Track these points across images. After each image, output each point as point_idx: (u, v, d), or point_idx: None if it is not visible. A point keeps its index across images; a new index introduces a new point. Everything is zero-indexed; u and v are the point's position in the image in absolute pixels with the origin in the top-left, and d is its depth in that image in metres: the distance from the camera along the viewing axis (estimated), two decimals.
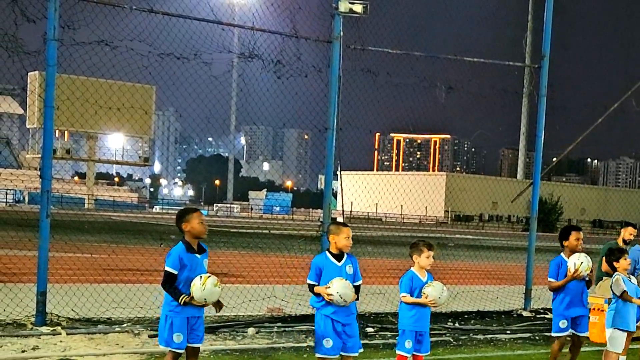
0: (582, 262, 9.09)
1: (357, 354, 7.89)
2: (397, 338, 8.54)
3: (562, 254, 9.39)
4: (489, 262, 24.60)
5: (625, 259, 9.45)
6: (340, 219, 15.93)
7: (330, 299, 7.58)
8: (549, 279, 9.31)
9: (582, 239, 9.39)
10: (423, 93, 16.08)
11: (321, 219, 13.30)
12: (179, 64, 12.89)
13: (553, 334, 9.38)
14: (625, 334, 9.14)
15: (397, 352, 8.39)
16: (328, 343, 7.72)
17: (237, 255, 18.83)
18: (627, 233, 13.25)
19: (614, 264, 9.48)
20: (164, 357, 8.33)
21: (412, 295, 8.37)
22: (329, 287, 7.64)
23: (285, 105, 15.04)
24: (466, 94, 16.71)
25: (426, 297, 8.10)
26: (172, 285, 7.32)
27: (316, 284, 7.73)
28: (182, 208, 8.00)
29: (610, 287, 9.42)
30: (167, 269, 7.32)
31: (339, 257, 7.81)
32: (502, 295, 16.40)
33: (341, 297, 7.60)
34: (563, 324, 9.22)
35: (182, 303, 7.24)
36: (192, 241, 7.50)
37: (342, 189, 14.03)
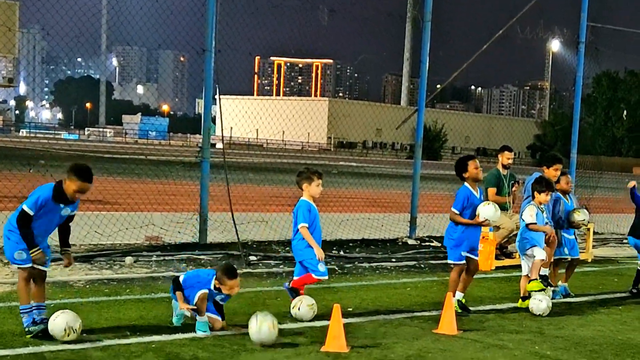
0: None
1: None
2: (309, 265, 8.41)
3: (465, 183, 9.19)
4: (373, 190, 24.69)
5: (548, 195, 9.68)
6: (219, 145, 15.42)
7: None
8: (454, 211, 9.08)
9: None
10: (305, 15, 15.66)
11: (200, 145, 12.81)
12: None
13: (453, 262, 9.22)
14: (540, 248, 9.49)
15: (316, 277, 8.38)
16: None
17: (112, 182, 17.98)
18: (505, 157, 13.35)
19: (535, 193, 9.68)
20: None
21: (310, 225, 8.33)
22: None
23: (161, 25, 14.40)
24: (349, 17, 16.38)
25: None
26: (28, 227, 6.93)
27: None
28: (81, 167, 7.09)
29: (521, 214, 9.66)
30: (25, 208, 6.93)
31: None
32: (386, 223, 16.40)
33: None
34: (464, 252, 9.11)
35: (32, 255, 6.94)
36: (65, 194, 7.05)
37: (221, 114, 13.56)
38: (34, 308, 7.14)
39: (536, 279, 9.37)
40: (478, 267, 9.41)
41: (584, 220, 10.66)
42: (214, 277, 7.60)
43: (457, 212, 9.04)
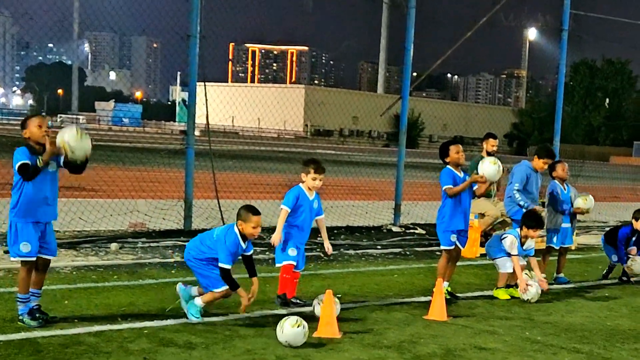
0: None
1: None
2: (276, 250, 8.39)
3: (448, 167, 9.19)
4: (354, 178, 24.62)
5: (536, 232, 9.50)
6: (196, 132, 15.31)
7: None
8: (446, 187, 9.01)
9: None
10: (287, 1, 15.58)
11: (174, 132, 12.71)
12: None
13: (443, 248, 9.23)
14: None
15: (284, 262, 8.26)
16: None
17: (97, 168, 17.81)
18: (489, 145, 13.30)
19: (524, 227, 9.44)
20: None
21: (295, 212, 8.26)
22: None
23: (137, 9, 14.23)
24: (327, 5, 16.30)
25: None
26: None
27: None
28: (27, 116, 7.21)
29: (501, 237, 9.60)
30: (20, 163, 6.84)
31: None
32: (370, 210, 16.40)
33: None
34: (453, 237, 9.11)
35: (40, 163, 6.79)
36: (32, 147, 6.93)
37: (207, 100, 13.48)
38: (31, 296, 7.06)
39: (501, 288, 9.43)
40: (460, 255, 9.43)
41: (589, 208, 10.64)
42: (234, 225, 7.45)
43: (450, 186, 8.99)
